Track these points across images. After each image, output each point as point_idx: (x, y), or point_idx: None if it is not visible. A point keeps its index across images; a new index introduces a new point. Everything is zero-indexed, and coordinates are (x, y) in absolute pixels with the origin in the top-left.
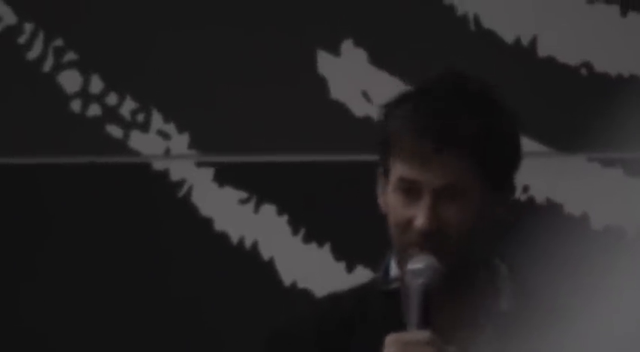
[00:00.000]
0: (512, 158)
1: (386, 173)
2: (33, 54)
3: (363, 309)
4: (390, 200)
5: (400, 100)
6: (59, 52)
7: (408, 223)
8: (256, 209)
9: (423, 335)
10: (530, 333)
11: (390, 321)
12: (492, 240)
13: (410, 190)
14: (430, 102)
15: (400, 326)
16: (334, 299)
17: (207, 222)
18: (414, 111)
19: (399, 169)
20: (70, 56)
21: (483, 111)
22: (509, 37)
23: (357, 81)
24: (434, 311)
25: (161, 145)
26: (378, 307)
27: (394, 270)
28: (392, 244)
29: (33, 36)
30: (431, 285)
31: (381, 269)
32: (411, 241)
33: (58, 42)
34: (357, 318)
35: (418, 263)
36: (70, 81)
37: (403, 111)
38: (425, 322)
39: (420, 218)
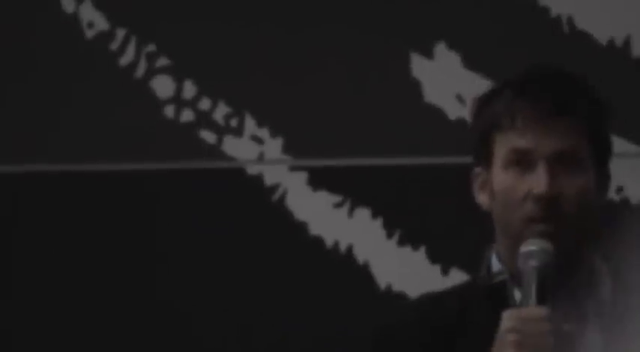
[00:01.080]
0: (611, 148)
1: (488, 159)
2: (125, 60)
3: (467, 306)
4: (498, 181)
5: (498, 89)
6: (152, 58)
7: (523, 199)
8: (350, 213)
9: (540, 311)
10: (631, 323)
11: (496, 315)
12: (599, 228)
13: (521, 163)
14: (536, 82)
15: None
16: (435, 297)
17: (302, 227)
18: (520, 90)
19: (507, 143)
20: (163, 61)
21: (591, 92)
22: (602, 38)
23: (451, 84)
24: (548, 291)
25: (255, 150)
26: (482, 302)
27: (496, 265)
28: (496, 239)
29: (125, 42)
30: (545, 267)
31: (483, 266)
32: (528, 215)
33: (151, 47)
34: (461, 315)
35: (532, 245)
36: (163, 86)
37: (507, 93)
38: (541, 300)
39: (539, 185)
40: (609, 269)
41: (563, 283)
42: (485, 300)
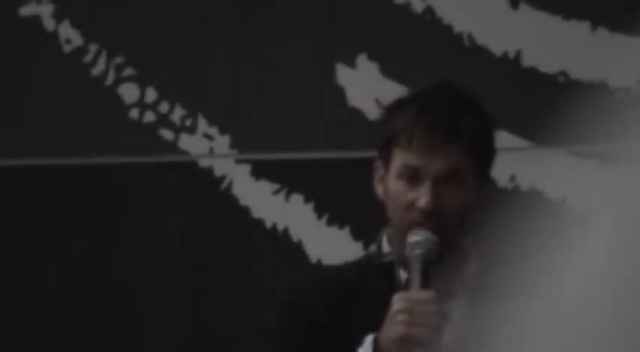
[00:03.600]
0: (494, 155)
1: (387, 163)
2: (97, 70)
3: (361, 280)
4: (392, 186)
5: (402, 102)
6: (119, 68)
7: (411, 205)
8: (286, 198)
9: (427, 293)
10: (496, 297)
11: (384, 290)
12: (476, 224)
13: (412, 177)
14: (432, 103)
15: (393, 294)
16: (336, 270)
17: (246, 211)
18: (419, 110)
19: (402, 158)
20: (129, 71)
21: (477, 112)
22: (498, 51)
23: (371, 89)
24: (433, 276)
25: (206, 146)
26: (373, 278)
27: (386, 247)
28: (389, 224)
29: (97, 55)
30: (428, 255)
31: (375, 245)
32: (413, 220)
33: (119, 60)
34: (356, 287)
35: (417, 236)
36: (128, 92)
37: (409, 110)
38: (426, 284)
39: (423, 199)
40: (476, 243)
41: (440, 266)
42: (376, 276)
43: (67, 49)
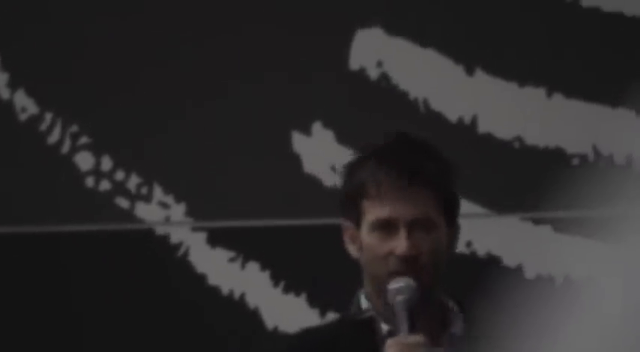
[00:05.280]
0: (458, 201)
1: (357, 219)
2: (53, 139)
3: (343, 337)
4: (366, 240)
5: (362, 158)
6: (75, 137)
7: (387, 256)
8: (243, 266)
9: (416, 337)
10: None
11: (367, 344)
12: (446, 271)
13: (385, 228)
14: (393, 152)
15: (375, 348)
16: (311, 332)
17: (202, 278)
18: (381, 159)
19: (373, 211)
20: (84, 140)
21: (437, 158)
22: (453, 117)
23: (326, 157)
24: (416, 320)
25: (162, 214)
26: (355, 334)
27: (365, 303)
28: (364, 282)
29: (52, 123)
30: (411, 300)
31: (353, 304)
32: (390, 270)
33: (74, 128)
34: (338, 344)
35: (399, 282)
36: (84, 161)
37: (371, 162)
38: (413, 328)
39: (400, 247)
40: (459, 307)
41: (421, 315)
42: (357, 331)
43: (22, 117)
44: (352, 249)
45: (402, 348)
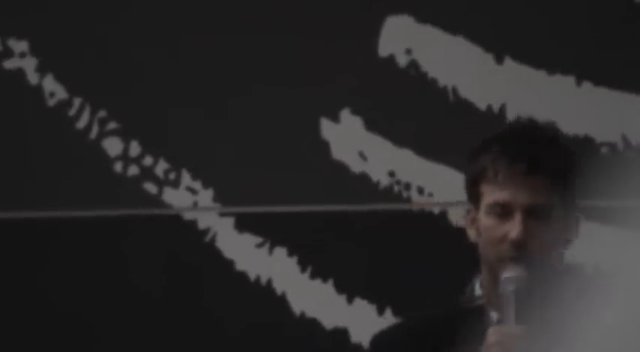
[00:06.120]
0: (577, 189)
1: (476, 203)
2: (81, 124)
3: (452, 323)
4: (483, 222)
5: (488, 143)
6: (103, 122)
7: (502, 239)
8: (270, 251)
9: (519, 328)
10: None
11: (476, 331)
12: (562, 261)
13: (502, 212)
14: (517, 138)
15: (483, 336)
16: (426, 315)
17: (230, 264)
18: (503, 146)
19: (492, 194)
20: (112, 125)
21: (561, 147)
22: (482, 105)
23: (354, 144)
24: (524, 311)
25: (190, 199)
26: (464, 320)
27: (478, 290)
28: (481, 268)
29: (81, 109)
30: (521, 291)
31: (467, 291)
32: (505, 254)
33: (102, 113)
34: (447, 331)
35: (510, 272)
36: (112, 146)
37: (493, 148)
38: (519, 320)
39: (514, 231)
40: (573, 291)
41: (534, 305)
42: (467, 318)
43: (51, 102)
44: (471, 233)
45: (502, 338)
